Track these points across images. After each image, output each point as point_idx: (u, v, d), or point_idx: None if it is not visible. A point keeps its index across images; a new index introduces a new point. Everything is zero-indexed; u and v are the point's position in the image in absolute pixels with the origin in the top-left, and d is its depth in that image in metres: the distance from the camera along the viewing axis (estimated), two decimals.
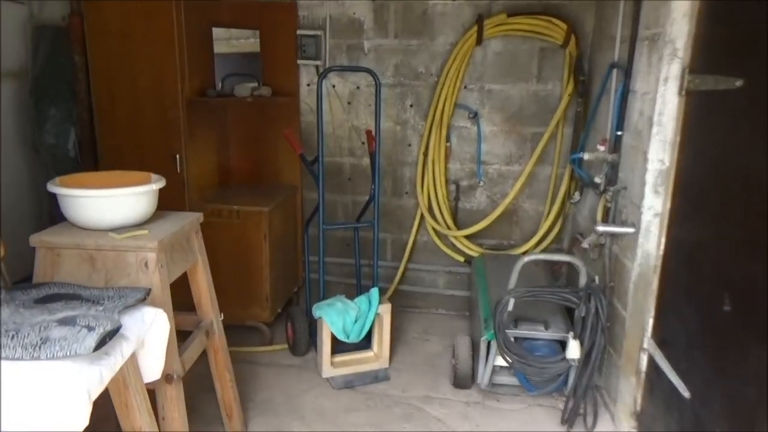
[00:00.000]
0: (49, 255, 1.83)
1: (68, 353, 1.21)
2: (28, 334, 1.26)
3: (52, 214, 3.25)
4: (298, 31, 3.33)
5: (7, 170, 3.37)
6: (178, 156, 2.99)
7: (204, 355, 2.23)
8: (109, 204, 1.82)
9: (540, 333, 2.49)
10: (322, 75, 2.76)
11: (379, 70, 3.37)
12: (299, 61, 3.38)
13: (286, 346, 3.16)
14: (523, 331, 2.50)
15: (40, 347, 1.22)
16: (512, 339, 2.46)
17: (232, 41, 3.34)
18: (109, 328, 1.31)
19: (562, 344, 2.50)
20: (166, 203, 3.00)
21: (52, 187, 1.82)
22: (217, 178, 3.41)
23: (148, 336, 1.60)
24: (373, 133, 2.89)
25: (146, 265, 1.81)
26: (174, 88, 2.92)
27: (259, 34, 3.36)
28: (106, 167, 3.10)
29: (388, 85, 3.40)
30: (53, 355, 1.21)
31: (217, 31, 3.21)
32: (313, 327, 3.00)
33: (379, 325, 2.94)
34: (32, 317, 1.36)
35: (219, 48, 3.24)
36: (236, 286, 3.14)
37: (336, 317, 2.79)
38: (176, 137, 2.98)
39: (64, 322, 1.31)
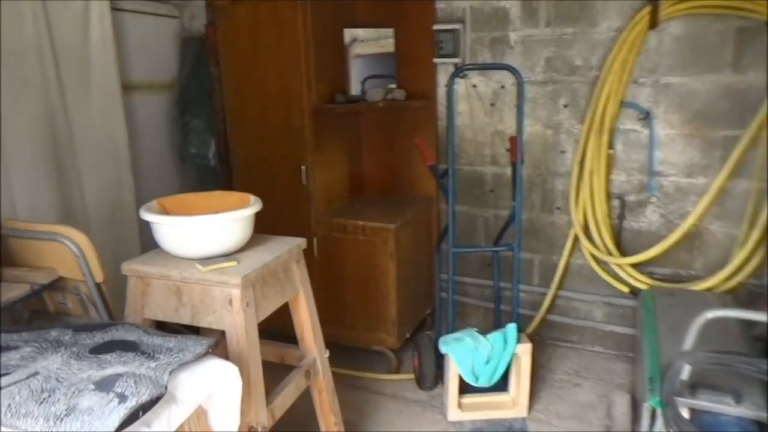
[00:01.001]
0: (139, 284, 1.72)
1: None
2: (59, 400, 1.10)
3: None
4: (435, 26, 2.99)
5: (161, 180, 3.51)
6: (303, 167, 2.83)
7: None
8: (194, 232, 1.65)
9: (728, 408, 1.88)
10: (453, 75, 2.40)
11: (528, 66, 2.90)
12: (436, 60, 3.03)
13: (413, 376, 2.86)
14: (703, 403, 1.90)
15: (62, 420, 1.05)
16: (686, 411, 1.88)
17: (381, 41, 3.11)
18: (145, 398, 1.10)
19: (761, 425, 1.86)
20: (291, 216, 2.89)
21: (143, 213, 1.70)
22: (347, 190, 3.21)
23: (217, 391, 1.39)
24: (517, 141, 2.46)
25: (231, 302, 1.61)
26: (299, 95, 2.76)
27: (393, 32, 3.08)
28: (239, 178, 3.06)
29: (537, 82, 2.92)
30: None
31: (367, 32, 3.00)
32: (441, 359, 2.65)
33: (517, 367, 2.50)
34: (79, 372, 1.20)
35: (368, 49, 3.03)
36: (362, 308, 2.91)
37: (464, 356, 2.42)
38: (301, 147, 2.82)
39: (101, 385, 1.13)
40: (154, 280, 1.70)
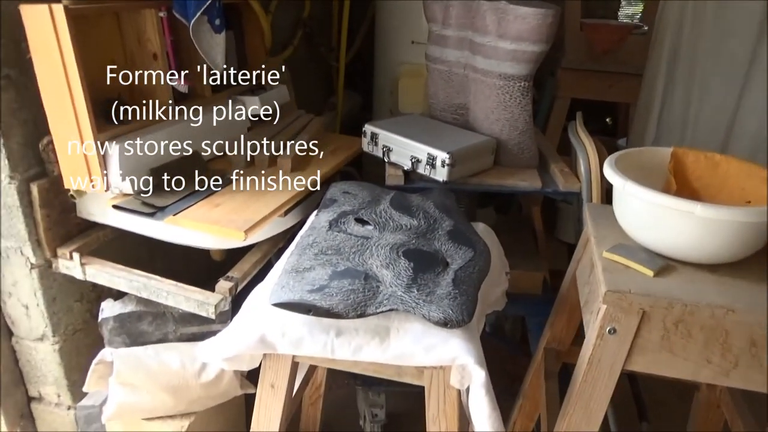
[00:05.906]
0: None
1: None
2: (327, 263, 1.12)
3: None
4: None
5: None
6: None
7: None
8: (651, 214, 1.07)
9: None
10: None
11: None
12: None
13: None
14: None
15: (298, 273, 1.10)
16: None
17: None
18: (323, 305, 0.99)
19: None
20: None
21: (609, 165, 1.17)
22: None
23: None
24: None
25: (596, 315, 1.05)
26: None
27: None
28: None
29: None
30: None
31: None
32: None
33: None
34: (371, 257, 1.12)
35: None
36: None
37: None
38: None
39: (335, 275, 1.08)
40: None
